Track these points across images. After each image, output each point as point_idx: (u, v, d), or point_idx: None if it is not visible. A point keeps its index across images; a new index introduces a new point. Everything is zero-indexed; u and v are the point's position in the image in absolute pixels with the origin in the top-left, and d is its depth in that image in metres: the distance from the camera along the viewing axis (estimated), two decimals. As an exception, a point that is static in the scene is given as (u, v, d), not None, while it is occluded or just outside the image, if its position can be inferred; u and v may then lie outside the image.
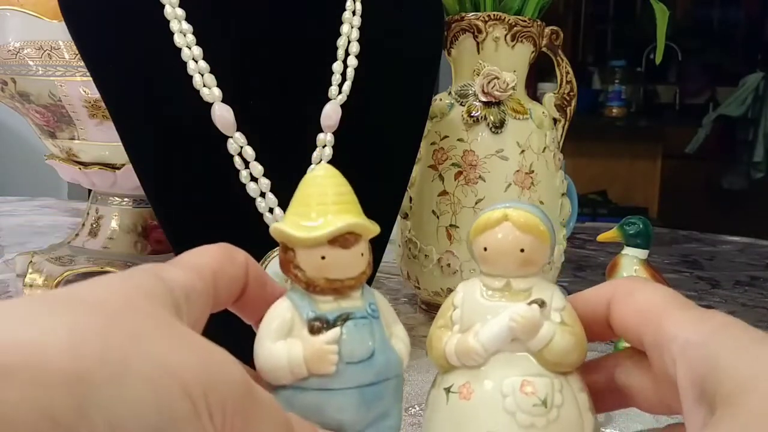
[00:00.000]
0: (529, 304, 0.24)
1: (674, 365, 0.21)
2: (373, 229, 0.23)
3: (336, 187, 0.23)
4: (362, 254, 0.23)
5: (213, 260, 0.23)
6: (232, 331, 0.26)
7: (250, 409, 0.19)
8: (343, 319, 0.23)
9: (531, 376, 0.24)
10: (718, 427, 0.19)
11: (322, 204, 0.23)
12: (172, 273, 0.21)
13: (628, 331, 0.24)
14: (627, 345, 0.25)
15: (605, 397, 0.26)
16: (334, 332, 0.22)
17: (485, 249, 0.25)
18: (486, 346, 0.24)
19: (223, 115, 0.43)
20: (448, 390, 0.25)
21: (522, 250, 0.24)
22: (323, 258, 0.23)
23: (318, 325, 0.23)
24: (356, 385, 0.23)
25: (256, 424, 0.19)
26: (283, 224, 0.23)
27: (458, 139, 0.58)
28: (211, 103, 0.43)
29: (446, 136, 0.59)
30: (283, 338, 0.23)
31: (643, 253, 0.54)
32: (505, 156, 0.57)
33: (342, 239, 0.23)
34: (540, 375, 0.24)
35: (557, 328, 0.24)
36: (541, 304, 0.24)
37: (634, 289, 0.24)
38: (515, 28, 0.58)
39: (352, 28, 0.48)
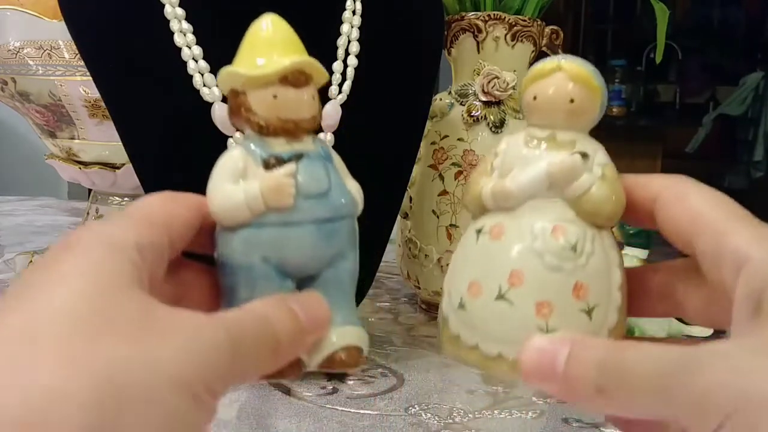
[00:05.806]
0: (572, 154, 0.24)
1: (733, 278, 0.21)
2: (323, 71, 0.24)
3: (282, 32, 0.24)
4: (313, 97, 0.24)
5: (161, 209, 0.23)
6: None
7: (240, 359, 0.20)
8: (298, 156, 0.23)
9: (564, 222, 0.23)
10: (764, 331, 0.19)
11: (269, 46, 0.23)
12: (124, 233, 0.21)
13: (678, 235, 0.23)
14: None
15: (655, 301, 0.26)
16: (291, 165, 0.23)
17: (535, 98, 0.24)
18: (522, 188, 0.24)
19: (223, 115, 0.43)
20: (479, 231, 0.25)
21: (572, 101, 0.24)
22: (275, 97, 0.23)
23: (273, 162, 0.23)
24: (313, 219, 0.23)
25: (245, 362, 0.20)
26: (233, 67, 0.23)
27: (458, 139, 0.58)
28: (211, 103, 0.43)
29: (446, 136, 0.59)
30: (237, 181, 0.23)
31: (643, 253, 0.54)
32: (505, 156, 0.57)
33: (293, 78, 0.23)
34: (573, 222, 0.23)
35: (597, 179, 0.24)
36: (584, 155, 0.24)
37: (688, 192, 0.23)
38: (515, 28, 0.58)
39: (352, 28, 0.48)
